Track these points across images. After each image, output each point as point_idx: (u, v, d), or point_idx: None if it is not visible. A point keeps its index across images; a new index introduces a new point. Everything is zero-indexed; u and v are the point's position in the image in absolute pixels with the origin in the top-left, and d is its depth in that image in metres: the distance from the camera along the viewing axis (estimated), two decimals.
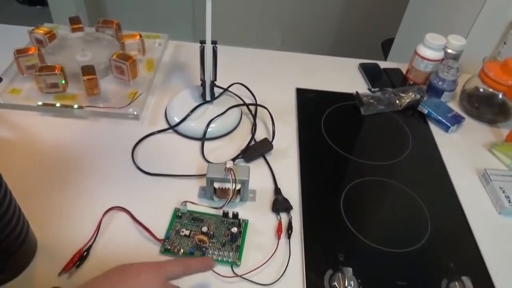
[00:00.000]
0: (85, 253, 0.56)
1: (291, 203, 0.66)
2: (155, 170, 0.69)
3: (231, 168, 0.60)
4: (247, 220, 0.63)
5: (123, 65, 0.80)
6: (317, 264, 0.58)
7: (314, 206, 0.66)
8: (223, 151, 0.74)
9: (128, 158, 0.71)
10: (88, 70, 0.76)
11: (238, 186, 0.62)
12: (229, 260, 0.57)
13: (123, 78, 0.82)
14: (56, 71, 0.76)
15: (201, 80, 0.77)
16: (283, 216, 0.64)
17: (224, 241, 0.59)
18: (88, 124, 0.77)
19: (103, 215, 0.61)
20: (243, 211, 0.65)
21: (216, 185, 0.62)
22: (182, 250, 0.57)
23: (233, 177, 0.60)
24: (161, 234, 0.60)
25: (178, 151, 0.74)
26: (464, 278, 0.57)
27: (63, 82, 0.77)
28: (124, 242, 0.59)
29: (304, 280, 0.56)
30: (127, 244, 0.59)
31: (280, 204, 0.65)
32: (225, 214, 0.62)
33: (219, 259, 0.57)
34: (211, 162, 0.70)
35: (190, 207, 0.63)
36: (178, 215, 0.62)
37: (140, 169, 0.69)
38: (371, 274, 0.58)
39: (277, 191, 0.68)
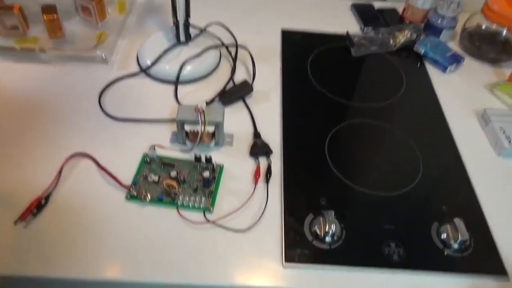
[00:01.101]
0: (44, 201, 0.52)
1: (271, 148, 0.61)
2: (124, 115, 0.64)
3: (201, 108, 0.54)
4: (222, 165, 0.58)
5: (89, 5, 0.73)
6: (296, 209, 0.54)
7: (296, 150, 0.61)
8: (199, 95, 0.68)
9: (95, 104, 0.65)
10: (48, 9, 0.69)
11: (212, 129, 0.57)
12: (201, 206, 0.53)
13: (90, 19, 0.75)
14: (14, 11, 0.69)
15: (174, 19, 0.70)
16: (262, 161, 0.59)
17: (196, 186, 0.55)
18: (52, 69, 0.70)
19: (65, 161, 0.56)
20: (218, 156, 0.60)
21: (188, 128, 0.57)
22: (149, 196, 0.53)
23: (202, 118, 0.54)
24: (128, 181, 0.55)
25: (150, 96, 0.68)
26: (457, 220, 0.52)
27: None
28: (87, 189, 0.54)
29: (282, 226, 0.52)
30: (90, 191, 0.54)
31: (259, 148, 0.60)
32: (198, 159, 0.57)
33: (190, 205, 0.53)
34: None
35: (160, 152, 0.58)
36: (146, 161, 0.57)
37: (107, 114, 0.64)
38: (355, 218, 0.54)
39: (256, 134, 0.62)
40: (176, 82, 0.69)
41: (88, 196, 0.54)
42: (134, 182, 0.55)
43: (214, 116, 0.57)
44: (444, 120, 0.68)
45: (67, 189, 0.54)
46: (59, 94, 0.67)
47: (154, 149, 0.57)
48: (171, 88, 0.69)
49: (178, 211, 0.52)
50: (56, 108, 0.64)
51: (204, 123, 0.55)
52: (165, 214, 0.52)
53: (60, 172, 0.55)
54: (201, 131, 0.55)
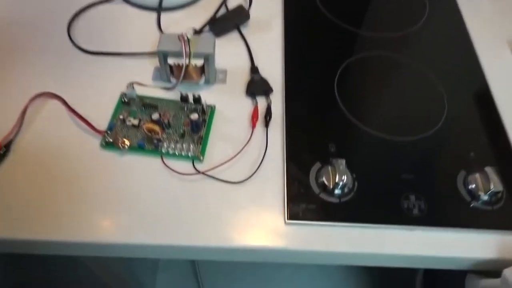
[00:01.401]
0: (4, 149, 0.44)
1: (271, 85, 0.52)
2: (98, 48, 0.54)
3: (186, 36, 0.45)
4: (214, 106, 0.49)
5: None
6: (301, 157, 0.46)
7: (301, 87, 0.52)
8: (187, 23, 0.58)
9: (63, 34, 0.55)
10: None
11: (200, 63, 0.48)
12: (189, 155, 0.45)
13: None
14: None
15: None
16: (260, 101, 0.51)
17: (183, 131, 0.46)
18: None
19: (29, 102, 0.47)
20: (209, 95, 0.51)
21: (172, 61, 0.48)
22: (128, 143, 0.45)
23: (187, 48, 0.45)
24: (103, 126, 0.47)
25: (129, 25, 0.58)
26: (488, 169, 0.45)
27: None
28: (55, 135, 0.46)
29: (284, 176, 0.45)
30: (59, 138, 0.46)
31: (256, 86, 0.51)
32: (184, 99, 0.48)
33: (177, 153, 0.45)
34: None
35: (141, 91, 0.49)
36: (124, 101, 0.48)
37: (78, 47, 0.54)
38: (369, 166, 0.46)
39: (254, 70, 0.53)
40: (159, 8, 0.58)
41: (57, 144, 0.46)
42: (110, 127, 0.46)
43: (202, 47, 0.47)
44: (473, 53, 0.58)
45: (32, 135, 0.46)
46: (21, 24, 0.56)
47: (133, 87, 0.48)
48: (153, 16, 0.59)
49: (163, 161, 0.45)
50: (17, 41, 0.54)
51: (189, 55, 0.45)
52: (147, 164, 0.45)
53: (23, 116, 0.47)
54: (186, 64, 0.46)
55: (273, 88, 0.52)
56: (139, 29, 0.57)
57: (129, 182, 0.43)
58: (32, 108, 0.48)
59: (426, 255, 0.41)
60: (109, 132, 0.46)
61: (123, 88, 0.49)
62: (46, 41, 0.54)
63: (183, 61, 0.45)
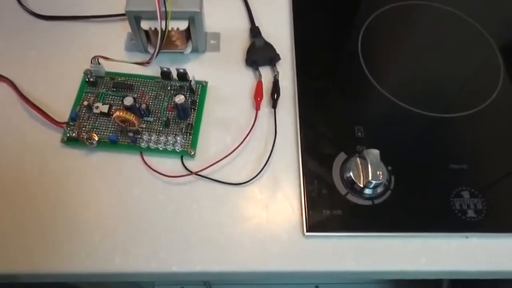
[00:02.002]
0: None
1: (278, 51, 0.40)
2: (54, 11, 0.42)
3: None
4: (205, 83, 0.38)
5: None
6: (320, 146, 0.36)
7: (316, 52, 0.41)
8: None
9: None
10: None
11: (184, 25, 0.36)
12: (177, 149, 0.35)
13: None
14: None
15: None
16: (265, 73, 0.40)
17: (166, 118, 0.36)
18: None
19: None
20: (199, 68, 0.40)
21: (147, 25, 0.36)
22: (96, 138, 0.35)
23: (162, 8, 0.33)
24: (64, 116, 0.36)
25: None
26: None
27: None
28: (6, 129, 0.36)
29: (300, 173, 0.35)
30: (9, 133, 0.36)
31: (259, 53, 0.40)
32: (166, 75, 0.37)
33: (160, 148, 0.35)
34: None
35: (110, 67, 0.38)
36: (89, 81, 0.37)
37: (29, 11, 0.42)
38: (408, 156, 0.36)
39: (255, 31, 0.41)
40: None
41: (8, 140, 0.36)
42: (73, 117, 0.36)
43: (185, 3, 0.36)
44: None
45: None
46: None
47: (98, 62, 0.37)
48: None
49: (143, 158, 0.35)
50: None
51: (166, 16, 0.34)
52: (122, 164, 0.35)
53: None
54: (162, 28, 0.34)
55: (281, 56, 0.40)
56: None
57: (100, 186, 0.34)
58: None
59: (486, 270, 0.32)
60: (71, 123, 0.35)
61: (87, 63, 0.38)
62: None
63: (158, 24, 0.34)
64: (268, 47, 0.40)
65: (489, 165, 0.35)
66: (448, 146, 0.37)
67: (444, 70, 0.41)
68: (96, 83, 0.38)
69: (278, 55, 0.40)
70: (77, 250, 0.31)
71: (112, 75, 0.38)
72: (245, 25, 0.43)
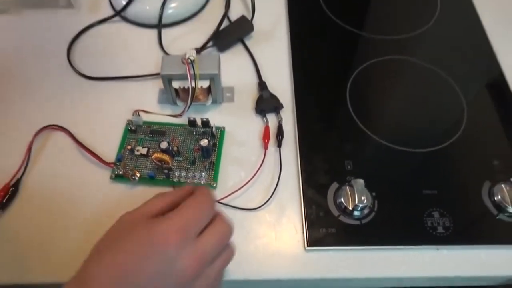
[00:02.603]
0: (13, 188, 0.43)
1: (281, 101, 0.50)
2: (99, 73, 0.52)
3: (189, 59, 0.43)
4: (223, 128, 0.48)
5: None
6: (317, 177, 0.44)
7: (312, 101, 0.50)
8: (189, 39, 0.56)
9: (63, 61, 0.54)
10: None
11: (206, 84, 0.46)
12: (202, 182, 0.44)
13: None
14: None
15: None
16: (271, 119, 0.49)
17: (193, 158, 0.45)
18: (8, 20, 0.58)
19: (34, 137, 0.46)
20: (218, 116, 0.49)
21: (177, 84, 0.46)
22: (138, 174, 0.43)
23: (191, 71, 0.43)
24: (111, 157, 0.45)
25: (129, 44, 0.56)
26: None
27: None
28: (64, 170, 0.45)
29: (301, 200, 0.43)
30: (67, 172, 0.45)
31: (266, 103, 0.49)
32: (192, 123, 0.47)
33: (188, 181, 0.44)
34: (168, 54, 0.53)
35: (147, 118, 0.48)
36: (131, 129, 0.47)
37: (79, 73, 0.52)
38: (389, 183, 0.44)
39: (262, 85, 0.51)
40: (159, 24, 0.56)
41: (66, 179, 0.45)
42: (119, 158, 0.45)
43: (207, 66, 0.45)
44: (492, 53, 0.55)
45: (40, 172, 0.45)
46: (18, 51, 0.55)
47: (139, 114, 0.47)
48: (154, 33, 0.57)
49: None
50: (16, 70, 0.53)
51: (195, 78, 0.43)
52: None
53: (29, 151, 0.45)
54: (192, 87, 0.44)
55: (284, 104, 0.50)
56: (140, 49, 0.55)
57: None
58: (37, 142, 0.47)
59: (454, 276, 0.40)
60: (118, 163, 0.45)
61: (129, 113, 0.48)
62: (46, 69, 0.53)
63: (189, 84, 0.44)
64: (273, 98, 0.50)
65: (454, 189, 0.44)
66: (422, 175, 0.45)
67: (418, 114, 0.50)
68: (136, 130, 0.47)
69: (281, 104, 0.49)
70: None
71: (149, 124, 0.47)
72: (254, 79, 0.52)
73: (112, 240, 0.31)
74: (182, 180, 0.44)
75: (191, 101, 0.44)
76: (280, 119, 0.48)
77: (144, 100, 0.50)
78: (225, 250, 0.33)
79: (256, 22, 0.57)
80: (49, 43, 0.55)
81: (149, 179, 0.44)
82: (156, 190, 0.43)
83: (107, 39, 0.56)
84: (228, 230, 0.33)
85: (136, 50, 0.55)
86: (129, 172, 0.43)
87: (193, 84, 0.44)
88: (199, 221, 0.31)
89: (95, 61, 0.54)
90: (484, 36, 0.57)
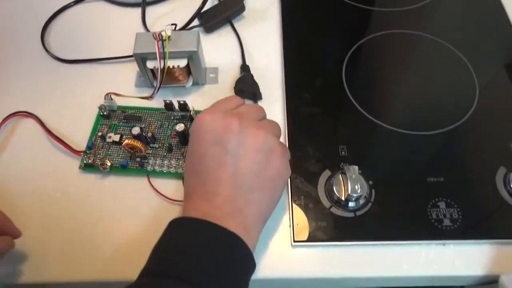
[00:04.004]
0: None
1: (271, 84, 0.45)
2: (76, 56, 0.49)
3: (160, 35, 0.38)
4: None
5: None
6: (307, 164, 0.39)
7: (304, 83, 0.45)
8: (175, 18, 0.51)
9: (36, 43, 0.50)
10: None
11: (183, 63, 0.41)
12: (179, 171, 0.39)
13: None
14: None
15: None
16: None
17: (170, 144, 0.41)
18: None
19: (1, 124, 0.43)
20: (199, 99, 0.45)
21: (151, 64, 0.42)
22: (109, 164, 0.39)
23: (160, 48, 0.38)
24: (82, 145, 0.42)
25: (110, 25, 0.52)
26: None
27: None
28: (32, 158, 0.42)
29: (288, 189, 0.38)
30: (36, 161, 0.41)
31: (245, 84, 0.44)
32: (169, 106, 0.42)
33: (164, 170, 0.39)
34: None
35: (122, 102, 0.44)
36: (103, 115, 0.43)
37: (53, 56, 0.49)
38: (388, 171, 0.39)
39: (245, 68, 0.46)
40: (143, 2, 0.52)
41: (33, 168, 0.41)
42: (89, 146, 0.41)
43: (185, 44, 0.41)
44: (509, 24, 0.50)
45: (6, 160, 0.42)
46: None
47: (111, 98, 0.43)
48: (137, 12, 0.53)
49: (149, 181, 0.39)
50: None
51: (164, 56, 0.39)
52: (132, 186, 0.40)
53: None
54: (161, 67, 0.39)
55: (273, 84, 0.45)
56: (121, 29, 0.51)
57: (111, 208, 0.38)
58: (5, 129, 0.43)
59: (463, 275, 0.35)
60: (88, 152, 0.41)
61: (102, 99, 0.43)
62: (19, 52, 0.49)
63: (158, 63, 0.39)
64: (254, 84, 0.44)
65: (463, 176, 0.38)
66: (426, 161, 0.40)
67: (422, 91, 0.45)
68: (110, 116, 0.43)
69: (260, 93, 0.44)
70: (90, 261, 0.36)
71: (123, 109, 0.43)
72: (241, 60, 0.48)
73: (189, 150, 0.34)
74: (157, 168, 0.39)
75: (161, 81, 0.40)
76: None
77: (120, 83, 0.46)
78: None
79: (248, 1, 0.52)
80: (21, 24, 0.52)
81: (121, 169, 0.40)
82: (129, 179, 0.40)
83: (86, 20, 0.52)
84: (278, 126, 0.36)
85: (117, 31, 0.51)
86: (99, 161, 0.40)
87: (162, 64, 0.39)
88: (253, 112, 0.35)
89: (72, 44, 0.50)
90: (502, 11, 0.51)
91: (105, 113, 0.43)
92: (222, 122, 0.32)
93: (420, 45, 0.48)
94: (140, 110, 0.43)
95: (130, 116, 0.43)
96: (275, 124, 0.36)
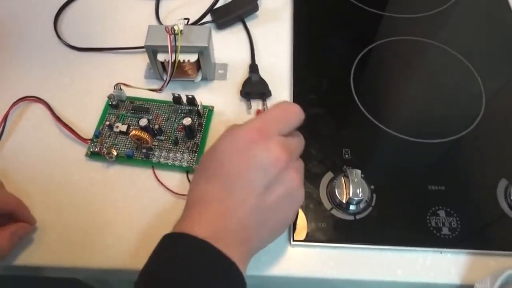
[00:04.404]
0: None
1: (279, 85, 0.45)
2: (88, 44, 0.49)
3: (173, 29, 0.39)
4: (211, 107, 0.44)
5: None
6: (310, 165, 0.40)
7: (311, 84, 0.46)
8: (188, 10, 0.52)
9: (49, 30, 0.51)
10: None
11: (194, 58, 0.42)
12: (183, 165, 0.40)
13: None
14: None
15: None
16: (256, 105, 0.44)
17: (176, 137, 0.41)
18: None
19: (10, 108, 0.43)
20: (207, 93, 0.45)
21: (162, 57, 0.42)
22: (115, 153, 0.40)
23: (172, 42, 0.39)
24: (89, 133, 0.42)
25: (123, 16, 0.52)
26: None
27: None
28: (39, 144, 0.42)
29: None
30: (43, 146, 0.42)
31: (253, 86, 0.45)
32: (177, 100, 0.43)
33: (169, 163, 0.40)
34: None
35: (131, 93, 0.44)
36: (112, 104, 0.43)
37: (65, 43, 0.49)
38: (390, 176, 0.40)
39: (253, 67, 0.46)
40: None
41: (41, 154, 0.42)
42: (96, 134, 0.42)
43: (196, 39, 0.41)
44: None
45: (14, 144, 0.42)
46: (2, 19, 0.52)
47: (120, 88, 0.43)
48: (150, 4, 0.53)
49: (154, 173, 0.40)
50: None
51: (176, 50, 0.39)
52: (137, 175, 0.40)
53: (4, 122, 0.43)
54: (172, 60, 0.40)
55: (281, 84, 0.45)
56: (134, 21, 0.52)
57: (115, 197, 0.39)
58: (14, 113, 0.44)
59: (458, 284, 0.35)
60: (95, 140, 0.41)
61: (112, 88, 0.44)
62: (30, 38, 0.50)
63: (169, 57, 0.40)
64: (262, 83, 0.45)
65: (465, 186, 0.39)
66: (429, 169, 0.40)
67: (429, 100, 0.45)
68: (118, 106, 0.43)
69: (270, 91, 0.44)
70: (92, 248, 0.36)
71: (132, 99, 0.44)
72: (250, 59, 0.48)
73: (203, 165, 0.32)
74: (162, 161, 0.40)
75: (171, 75, 0.40)
76: (265, 107, 0.44)
77: (130, 74, 0.46)
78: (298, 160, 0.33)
79: (262, 1, 0.52)
80: (35, 11, 0.52)
81: (127, 158, 0.40)
82: (134, 170, 0.40)
83: (99, 9, 0.53)
84: (303, 142, 0.34)
85: (130, 22, 0.52)
86: (105, 150, 0.40)
87: (173, 57, 0.40)
88: (280, 121, 0.32)
89: (85, 32, 0.51)
90: (509, 14, 0.51)
91: (113, 102, 0.43)
92: (274, 153, 0.30)
93: (429, 53, 0.49)
94: (149, 102, 0.44)
95: (138, 107, 0.43)
96: (301, 140, 0.34)
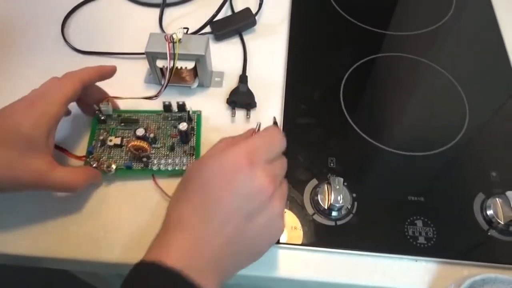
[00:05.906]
0: None
1: (270, 96, 0.47)
2: (92, 47, 0.52)
3: (172, 37, 0.41)
4: (199, 112, 0.45)
5: None
6: (297, 172, 0.42)
7: (303, 95, 0.48)
8: (190, 20, 0.54)
9: (56, 32, 0.53)
10: None
11: (191, 65, 0.44)
12: (183, 169, 0.42)
13: None
14: None
15: None
16: (240, 115, 0.46)
17: (171, 144, 0.43)
18: None
19: None
20: (203, 100, 0.47)
21: (161, 63, 0.44)
22: (114, 166, 0.41)
23: (171, 49, 0.41)
24: (79, 150, 0.43)
25: (128, 22, 0.55)
26: (510, 194, 0.39)
27: None
28: None
29: None
30: None
31: (239, 96, 0.46)
32: (167, 108, 0.44)
33: (169, 168, 0.41)
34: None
35: (124, 103, 0.45)
36: (100, 119, 0.44)
37: (71, 46, 0.52)
38: (372, 185, 0.41)
39: (242, 78, 0.48)
40: (163, 3, 0.55)
41: None
42: (90, 151, 0.42)
43: (194, 47, 0.44)
44: (506, 57, 0.51)
45: None
46: (11, 21, 0.54)
47: (108, 102, 0.43)
48: (154, 12, 0.55)
49: (155, 181, 0.41)
50: (6, 40, 0.52)
51: (174, 57, 0.42)
52: (138, 186, 0.41)
53: None
54: (170, 67, 0.42)
55: (274, 94, 0.48)
56: (138, 28, 0.54)
57: (121, 209, 0.40)
58: None
59: None
60: (90, 156, 0.41)
61: (115, 91, 0.46)
62: (39, 39, 0.52)
63: (168, 63, 0.42)
64: (249, 94, 0.47)
65: (444, 199, 0.40)
66: (409, 180, 0.42)
67: (414, 115, 0.47)
68: (106, 119, 0.43)
69: (255, 102, 0.46)
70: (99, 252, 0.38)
71: (119, 113, 0.44)
72: (249, 67, 0.50)
73: (186, 184, 0.32)
74: (162, 167, 0.41)
75: (168, 81, 0.42)
76: (248, 117, 0.46)
77: (130, 78, 0.49)
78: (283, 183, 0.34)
79: (261, 15, 0.55)
80: (44, 15, 0.55)
81: (126, 170, 0.41)
82: (134, 181, 0.41)
83: (106, 15, 0.55)
84: (286, 162, 0.35)
85: (133, 28, 0.54)
86: (104, 164, 0.41)
87: (171, 64, 0.42)
88: (266, 149, 0.32)
89: (91, 36, 0.53)
90: (499, 38, 0.53)
91: (101, 117, 0.43)
92: (259, 182, 0.30)
93: (418, 70, 0.51)
94: (137, 114, 0.44)
95: (127, 119, 0.44)
96: (285, 164, 0.35)
